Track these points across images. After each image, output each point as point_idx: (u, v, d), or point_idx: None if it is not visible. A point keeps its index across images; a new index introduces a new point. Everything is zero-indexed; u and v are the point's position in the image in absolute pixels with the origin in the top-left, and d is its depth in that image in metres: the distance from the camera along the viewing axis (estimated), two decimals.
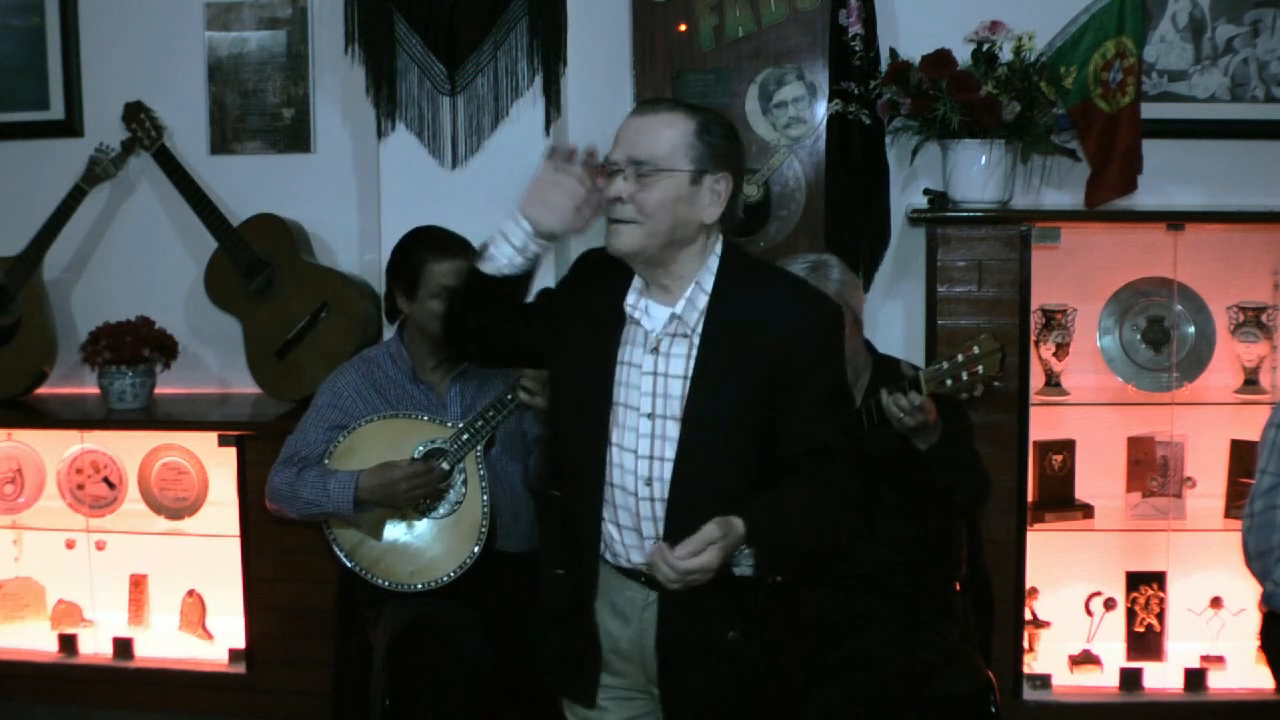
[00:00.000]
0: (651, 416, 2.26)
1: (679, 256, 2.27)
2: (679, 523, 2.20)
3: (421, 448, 3.09)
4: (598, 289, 2.35)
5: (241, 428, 3.81)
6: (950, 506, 3.01)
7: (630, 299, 2.31)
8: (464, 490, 3.09)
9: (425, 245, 3.17)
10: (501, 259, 2.34)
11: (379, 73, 3.73)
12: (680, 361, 2.26)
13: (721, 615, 2.27)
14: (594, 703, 2.39)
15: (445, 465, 3.07)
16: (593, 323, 2.34)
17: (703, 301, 2.27)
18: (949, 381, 2.67)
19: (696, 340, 2.26)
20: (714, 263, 2.29)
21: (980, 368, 2.66)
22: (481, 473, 3.08)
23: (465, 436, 3.08)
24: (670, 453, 2.24)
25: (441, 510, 3.09)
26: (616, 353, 2.31)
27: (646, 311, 2.30)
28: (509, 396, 3.06)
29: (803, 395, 2.24)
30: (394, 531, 3.09)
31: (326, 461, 3.09)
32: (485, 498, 3.07)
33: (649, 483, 2.26)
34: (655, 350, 2.28)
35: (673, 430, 2.25)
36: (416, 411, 3.16)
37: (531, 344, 2.44)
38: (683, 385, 2.25)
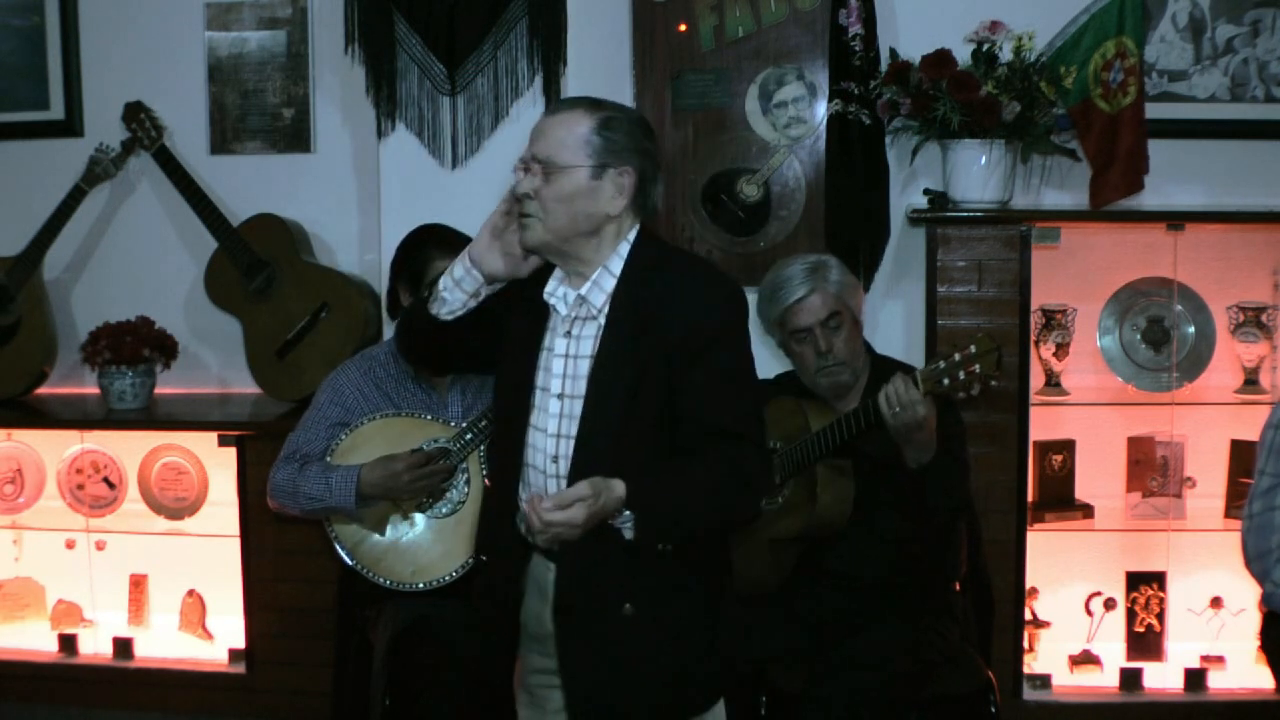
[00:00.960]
0: (561, 396, 2.36)
1: (587, 245, 2.37)
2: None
3: (423, 446, 3.08)
4: (529, 284, 2.46)
5: (241, 428, 3.81)
6: (929, 522, 2.99)
7: (549, 287, 2.42)
8: (466, 490, 3.08)
9: (431, 242, 3.17)
10: (456, 304, 2.47)
11: (379, 73, 3.73)
12: (589, 343, 2.37)
13: (618, 587, 2.33)
14: (510, 681, 2.51)
15: (450, 464, 3.07)
16: (524, 316, 2.45)
17: (610, 284, 2.37)
18: (946, 381, 2.67)
19: (603, 321, 2.36)
20: (624, 249, 2.39)
21: (977, 367, 2.66)
22: (484, 472, 3.07)
23: (469, 436, 3.07)
24: (574, 430, 2.34)
25: (443, 510, 3.09)
26: (541, 340, 2.42)
27: (563, 298, 2.40)
28: None
29: (701, 377, 2.32)
30: (396, 530, 3.09)
31: (329, 459, 3.09)
32: None
33: (555, 459, 2.36)
34: (568, 334, 2.39)
35: (578, 409, 2.34)
36: (419, 410, 3.15)
37: (481, 352, 2.54)
38: (589, 365, 2.35)
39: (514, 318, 2.47)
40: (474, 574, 3.03)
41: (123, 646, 3.94)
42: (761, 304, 3.10)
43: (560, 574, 2.36)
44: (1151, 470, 3.72)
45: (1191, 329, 3.70)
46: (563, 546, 2.31)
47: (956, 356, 2.66)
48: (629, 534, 2.28)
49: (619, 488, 2.25)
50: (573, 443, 2.33)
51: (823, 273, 3.03)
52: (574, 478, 2.29)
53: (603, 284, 2.36)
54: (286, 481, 3.09)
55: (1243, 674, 3.60)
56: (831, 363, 3.00)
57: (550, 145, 2.33)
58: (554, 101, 2.39)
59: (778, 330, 3.07)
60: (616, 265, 2.37)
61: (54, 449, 4.09)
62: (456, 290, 2.46)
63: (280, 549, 3.76)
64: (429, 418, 3.12)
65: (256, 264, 3.94)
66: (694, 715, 2.43)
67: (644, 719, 2.39)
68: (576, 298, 2.37)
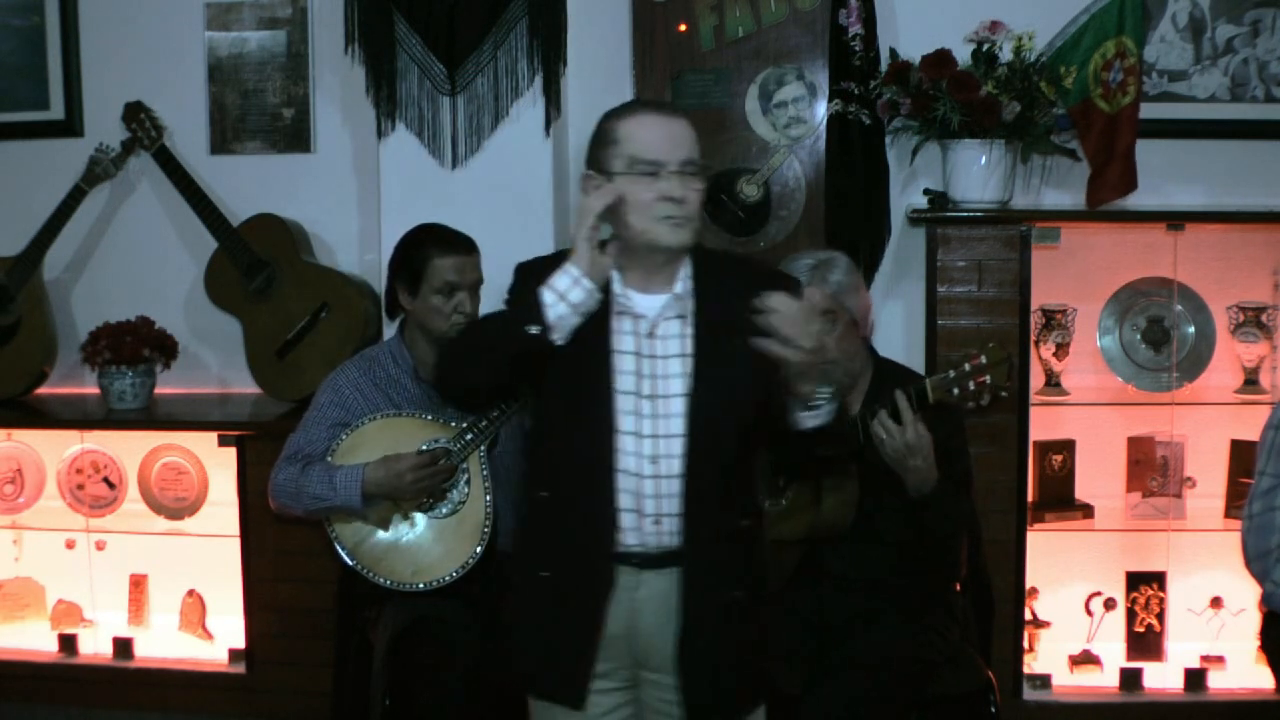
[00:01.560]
0: (652, 398, 2.35)
1: None
2: (692, 494, 2.34)
3: (425, 446, 3.08)
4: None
5: (241, 428, 3.81)
6: (928, 540, 2.99)
7: (617, 289, 2.39)
8: (467, 490, 3.08)
9: (430, 241, 3.17)
10: (569, 329, 2.36)
11: (379, 73, 3.72)
12: (675, 342, 2.37)
13: (729, 575, 2.41)
14: (584, 704, 2.41)
15: (452, 464, 3.06)
16: (583, 326, 2.37)
17: (690, 285, 2.40)
18: (955, 390, 2.66)
19: (692, 319, 2.37)
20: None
21: (988, 378, 2.64)
22: (485, 473, 3.07)
23: (469, 436, 3.07)
24: (676, 429, 2.34)
25: (443, 510, 3.09)
26: (609, 344, 2.38)
27: (629, 299, 2.39)
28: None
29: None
30: (396, 530, 3.09)
31: (330, 459, 3.09)
32: (489, 498, 3.06)
33: (654, 460, 2.34)
34: (651, 335, 2.38)
35: (676, 407, 2.35)
36: (419, 410, 3.15)
37: (527, 375, 2.47)
38: (682, 363, 2.36)
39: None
40: (475, 573, 3.04)
41: (123, 646, 3.93)
42: None
43: (686, 572, 2.38)
44: (1151, 470, 3.72)
45: (1191, 329, 3.70)
46: (686, 540, 2.35)
47: (967, 366, 2.65)
48: (821, 417, 2.33)
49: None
50: (676, 442, 2.34)
51: (823, 271, 3.02)
52: (688, 475, 2.34)
53: (686, 285, 2.39)
54: (289, 482, 3.09)
55: (1243, 674, 3.60)
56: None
57: (694, 148, 2.36)
58: (635, 102, 2.35)
59: None
60: (688, 266, 2.40)
61: (54, 449, 4.09)
62: (574, 316, 2.35)
63: (280, 549, 3.75)
64: (429, 418, 3.12)
65: (256, 264, 3.94)
66: (762, 704, 2.52)
67: (741, 708, 2.47)
68: (672, 298, 2.37)
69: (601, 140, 2.37)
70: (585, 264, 2.33)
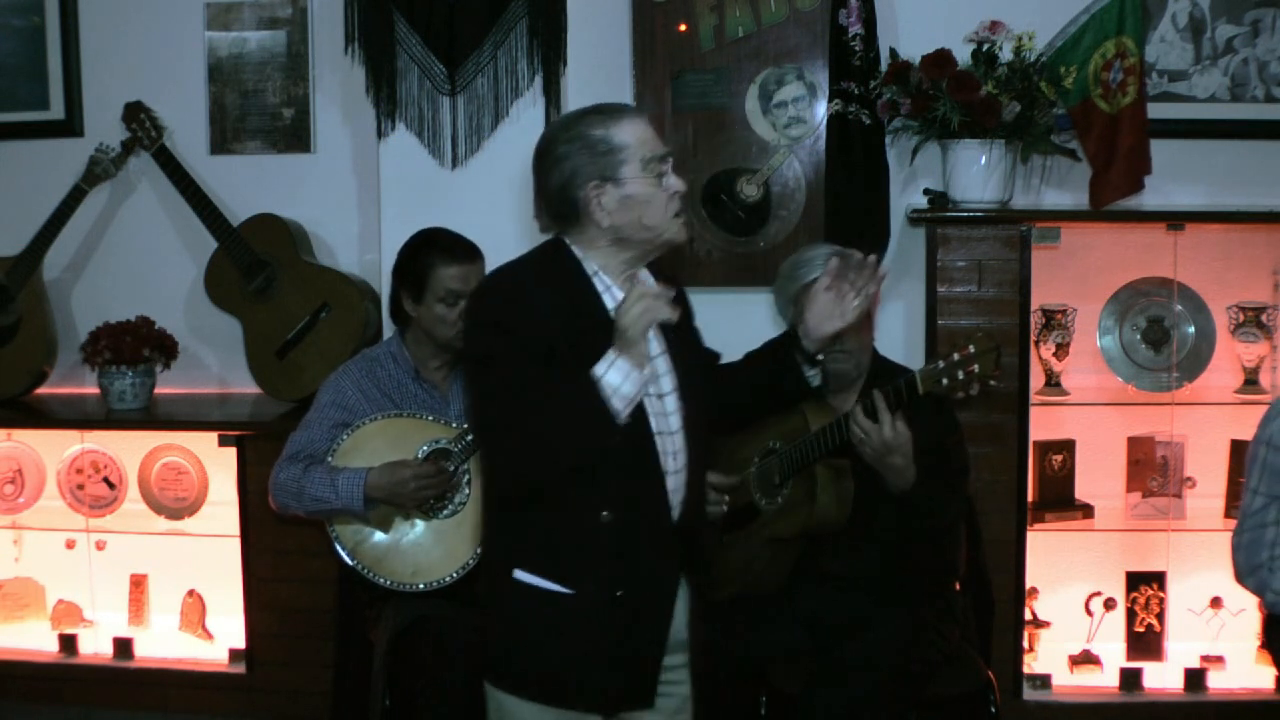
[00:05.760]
0: (659, 396, 2.35)
1: None
2: (693, 485, 2.39)
3: (426, 447, 3.08)
4: (566, 309, 2.29)
5: (241, 428, 3.81)
6: (914, 541, 2.99)
7: (609, 301, 2.31)
8: (468, 492, 3.08)
9: (434, 249, 3.14)
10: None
11: (379, 73, 3.73)
12: (655, 341, 2.36)
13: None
14: (654, 701, 2.38)
15: (451, 466, 3.06)
16: (588, 338, 2.27)
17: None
18: (944, 381, 2.66)
19: None
20: None
21: (976, 367, 2.64)
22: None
23: (470, 438, 3.07)
24: (675, 425, 2.35)
25: (445, 511, 3.09)
26: None
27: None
28: None
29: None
30: (397, 531, 3.08)
31: (330, 459, 3.09)
32: None
33: (674, 455, 2.35)
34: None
35: (671, 405, 2.36)
36: (420, 410, 3.15)
37: None
38: (666, 361, 2.36)
39: (575, 337, 2.27)
40: (476, 574, 3.04)
41: (123, 646, 3.94)
42: (780, 281, 3.10)
43: (698, 550, 2.44)
44: (1151, 470, 3.72)
45: (1191, 329, 3.70)
46: (692, 528, 2.41)
47: (955, 356, 2.66)
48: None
49: None
50: (679, 437, 2.35)
51: (845, 261, 3.02)
52: (690, 469, 2.37)
53: (650, 282, 2.38)
54: (290, 482, 3.09)
55: (1243, 674, 3.60)
56: (837, 349, 2.98)
57: None
58: (602, 107, 2.30)
59: (790, 309, 3.04)
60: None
61: (54, 449, 4.09)
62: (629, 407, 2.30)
63: (280, 549, 3.76)
64: (430, 418, 3.12)
65: (256, 264, 3.94)
66: None
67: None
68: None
69: (598, 150, 2.28)
70: (643, 360, 2.24)
